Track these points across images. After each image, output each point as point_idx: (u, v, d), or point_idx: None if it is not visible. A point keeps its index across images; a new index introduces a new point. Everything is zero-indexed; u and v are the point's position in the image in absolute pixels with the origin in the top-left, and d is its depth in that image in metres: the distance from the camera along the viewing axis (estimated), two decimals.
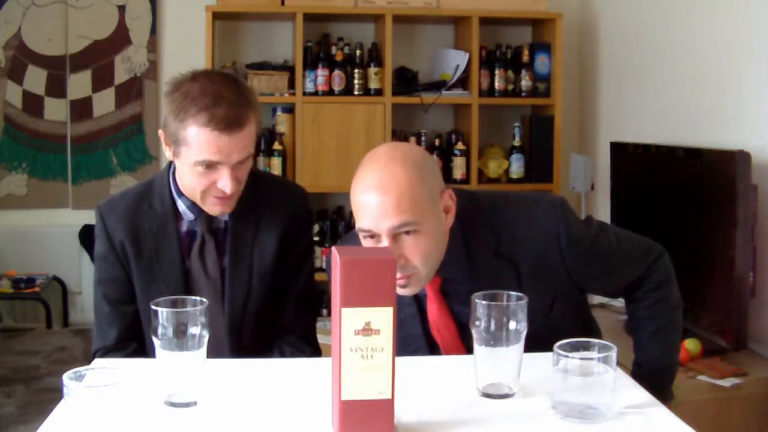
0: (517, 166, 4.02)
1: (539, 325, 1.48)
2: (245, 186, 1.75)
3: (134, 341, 1.81)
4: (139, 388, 1.34)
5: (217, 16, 3.91)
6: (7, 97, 4.14)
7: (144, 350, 1.79)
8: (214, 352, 1.41)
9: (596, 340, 1.32)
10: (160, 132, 1.72)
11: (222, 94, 1.62)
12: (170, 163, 1.79)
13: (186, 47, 4.04)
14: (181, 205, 1.78)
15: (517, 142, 4.02)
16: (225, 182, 1.65)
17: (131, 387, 1.24)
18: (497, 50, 4.01)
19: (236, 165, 1.66)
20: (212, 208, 1.73)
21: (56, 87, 4.17)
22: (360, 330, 1.17)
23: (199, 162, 1.64)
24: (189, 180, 1.70)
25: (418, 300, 1.67)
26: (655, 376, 1.67)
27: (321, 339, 1.96)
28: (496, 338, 1.34)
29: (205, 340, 1.32)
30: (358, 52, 3.91)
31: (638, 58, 3.68)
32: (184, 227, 1.80)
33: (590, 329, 1.76)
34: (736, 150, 2.58)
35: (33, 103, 4.16)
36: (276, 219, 1.83)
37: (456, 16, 3.99)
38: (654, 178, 3.14)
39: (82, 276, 4.20)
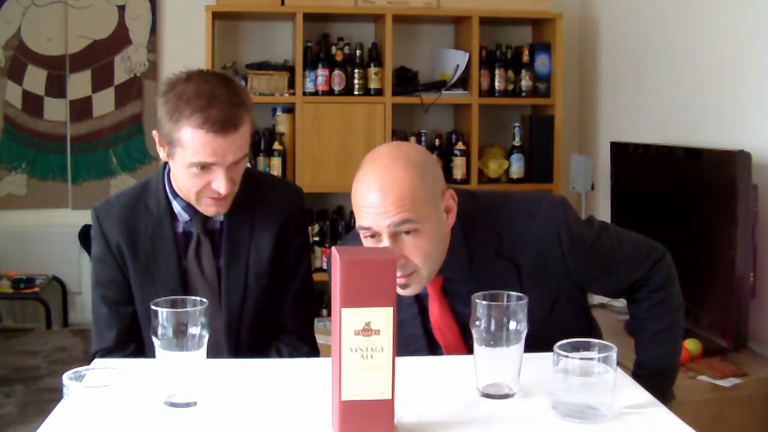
0: (517, 166, 4.02)
1: (540, 325, 1.48)
2: (240, 186, 1.74)
3: (133, 342, 1.81)
4: (139, 388, 1.33)
5: (217, 16, 3.91)
6: (6, 97, 4.14)
7: (143, 351, 1.79)
8: (211, 352, 1.41)
9: (596, 340, 1.32)
10: (155, 133, 1.71)
11: (216, 94, 1.62)
12: (165, 163, 1.78)
13: (186, 47, 4.04)
14: (177, 206, 1.78)
15: (517, 142, 4.02)
16: (220, 183, 1.65)
17: (131, 387, 1.24)
18: (497, 50, 4.01)
19: (231, 166, 1.66)
20: (207, 209, 1.73)
21: (56, 87, 4.17)
22: (360, 330, 1.17)
23: (193, 163, 1.63)
24: (184, 181, 1.69)
25: (420, 300, 1.67)
26: (656, 377, 1.67)
27: (321, 339, 1.96)
28: (496, 338, 1.34)
29: (205, 340, 1.32)
30: (358, 52, 3.91)
31: (638, 58, 3.68)
32: (180, 228, 1.79)
33: (591, 329, 1.75)
34: (736, 150, 2.58)
35: (33, 103, 4.16)
36: (272, 219, 1.82)
37: (456, 16, 3.99)
38: (654, 178, 3.14)
39: (82, 276, 4.20)
